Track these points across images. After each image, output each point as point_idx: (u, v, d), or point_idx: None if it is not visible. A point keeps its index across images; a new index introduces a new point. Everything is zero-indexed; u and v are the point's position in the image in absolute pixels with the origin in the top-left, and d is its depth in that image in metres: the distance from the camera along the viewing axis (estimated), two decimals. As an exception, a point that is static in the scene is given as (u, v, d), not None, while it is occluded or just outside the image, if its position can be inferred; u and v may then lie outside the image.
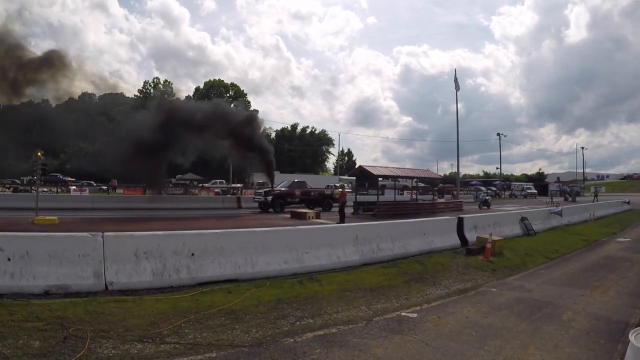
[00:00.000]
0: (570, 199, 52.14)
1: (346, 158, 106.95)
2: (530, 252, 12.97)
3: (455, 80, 43.21)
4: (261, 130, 38.11)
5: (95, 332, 5.39)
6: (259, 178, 60.82)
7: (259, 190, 30.57)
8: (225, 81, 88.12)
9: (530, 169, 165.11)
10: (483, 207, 34.41)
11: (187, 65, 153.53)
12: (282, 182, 31.75)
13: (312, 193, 29.91)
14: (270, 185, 34.26)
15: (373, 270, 9.92)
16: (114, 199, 34.04)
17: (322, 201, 29.77)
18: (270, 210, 27.22)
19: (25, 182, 47.41)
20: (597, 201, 37.39)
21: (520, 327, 6.30)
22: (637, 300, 8.15)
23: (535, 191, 71.71)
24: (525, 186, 76.77)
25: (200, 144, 30.79)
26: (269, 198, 27.44)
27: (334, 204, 28.70)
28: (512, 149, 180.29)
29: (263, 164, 33.83)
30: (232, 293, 7.46)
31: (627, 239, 17.37)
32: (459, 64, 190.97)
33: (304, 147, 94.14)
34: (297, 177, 40.29)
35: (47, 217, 17.40)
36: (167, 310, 6.40)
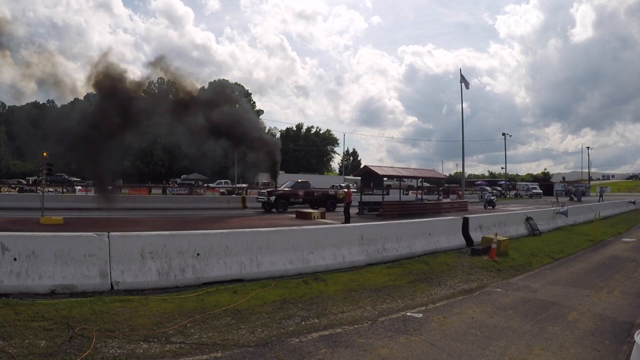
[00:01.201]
0: (575, 198, 51.96)
1: (351, 158, 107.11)
2: (536, 252, 12.93)
3: (462, 78, 43.05)
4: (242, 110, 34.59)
5: (101, 331, 5.42)
6: (264, 178, 61.11)
7: (262, 190, 30.55)
8: (230, 81, 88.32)
9: (536, 168, 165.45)
10: (488, 207, 34.32)
11: (191, 65, 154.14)
12: (286, 182, 31.71)
13: (315, 193, 29.89)
14: (273, 179, 33.85)
15: (378, 270, 9.92)
16: (119, 199, 34.06)
17: (326, 201, 29.76)
18: (274, 210, 27.21)
19: (30, 182, 47.65)
20: (603, 201, 37.24)
21: (525, 328, 6.28)
22: (643, 300, 8.11)
23: (541, 191, 71.65)
24: (531, 186, 76.55)
25: (143, 133, 27.60)
26: (272, 198, 27.44)
27: (338, 204, 28.74)
28: (517, 149, 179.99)
29: (259, 156, 32.54)
30: (238, 293, 7.47)
31: (633, 239, 17.28)
32: (463, 63, 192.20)
33: (309, 147, 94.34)
34: (301, 177, 40.24)
35: (53, 217, 17.47)
36: (173, 310, 6.42)
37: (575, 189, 60.58)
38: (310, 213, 22.74)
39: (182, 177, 65.81)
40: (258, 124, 37.21)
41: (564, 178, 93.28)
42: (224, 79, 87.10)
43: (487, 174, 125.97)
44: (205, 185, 55.66)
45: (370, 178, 29.98)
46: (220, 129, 29.27)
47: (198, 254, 8.18)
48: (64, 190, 40.75)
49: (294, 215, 23.75)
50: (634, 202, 36.43)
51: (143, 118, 25.63)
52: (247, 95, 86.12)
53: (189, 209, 28.59)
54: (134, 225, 16.24)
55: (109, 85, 24.35)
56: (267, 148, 32.57)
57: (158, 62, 28.87)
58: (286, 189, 29.22)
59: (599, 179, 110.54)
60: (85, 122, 23.58)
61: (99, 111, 23.89)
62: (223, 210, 28.92)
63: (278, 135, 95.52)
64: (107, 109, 23.67)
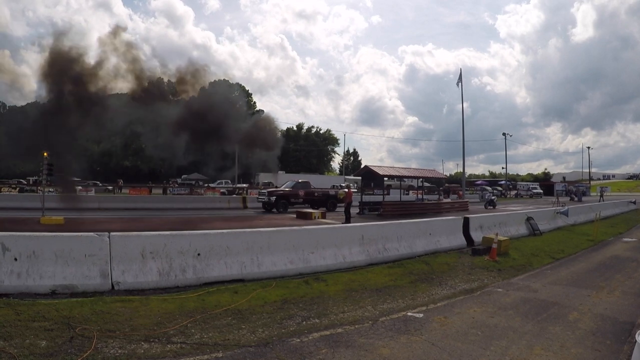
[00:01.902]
0: (576, 198, 51.96)
1: (352, 158, 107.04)
2: (536, 252, 12.92)
3: (460, 78, 42.97)
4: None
5: (102, 331, 5.42)
6: (264, 178, 61.02)
7: (263, 191, 30.51)
8: (230, 81, 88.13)
9: (536, 168, 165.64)
10: (489, 207, 34.30)
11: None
12: (286, 182, 31.66)
13: (315, 193, 29.86)
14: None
15: (379, 270, 9.92)
16: (120, 198, 34.16)
17: (326, 201, 29.70)
18: (274, 210, 27.17)
19: (31, 182, 47.63)
20: (603, 201, 37.27)
21: (526, 328, 6.28)
22: (644, 300, 8.10)
23: (541, 191, 71.68)
24: (531, 186, 76.55)
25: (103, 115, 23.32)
26: (273, 198, 27.41)
27: (339, 204, 28.73)
28: (518, 149, 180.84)
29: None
30: (239, 293, 7.47)
31: (634, 239, 17.27)
32: (464, 63, 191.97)
33: (309, 147, 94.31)
34: (301, 177, 40.19)
35: (54, 217, 17.46)
36: (174, 310, 6.42)
37: (576, 189, 60.61)
38: (311, 213, 22.71)
39: (182, 177, 65.84)
40: (237, 112, 33.14)
41: (564, 178, 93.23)
42: (224, 79, 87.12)
43: (487, 174, 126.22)
44: (206, 185, 55.65)
45: (370, 178, 29.98)
46: (188, 122, 25.53)
47: (199, 254, 8.18)
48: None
49: (295, 215, 23.72)
50: (634, 202, 36.43)
51: (98, 108, 22.23)
52: (248, 95, 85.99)
53: (189, 209, 28.58)
54: (134, 225, 16.22)
55: (60, 68, 20.85)
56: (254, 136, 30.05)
57: (115, 32, 24.09)
58: (286, 189, 29.18)
59: (599, 179, 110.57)
60: (40, 117, 21.28)
61: (53, 101, 21.07)
62: (224, 210, 28.92)
63: (279, 135, 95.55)
64: (59, 96, 20.95)
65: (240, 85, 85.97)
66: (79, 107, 21.19)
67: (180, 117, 25.58)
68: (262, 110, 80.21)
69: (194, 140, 28.60)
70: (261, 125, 31.92)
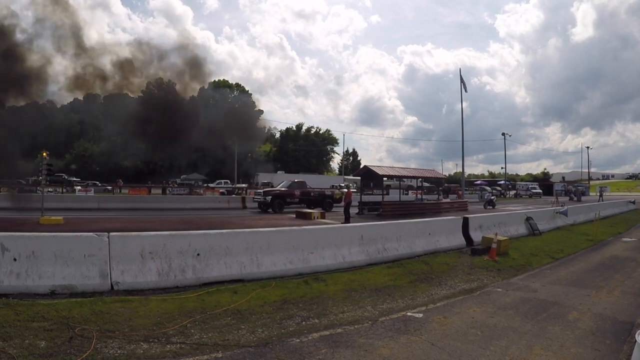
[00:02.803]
0: (575, 198, 52.00)
1: (351, 158, 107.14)
2: (536, 252, 12.92)
3: (462, 81, 43.02)
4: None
5: (101, 332, 5.41)
6: (264, 178, 61.01)
7: (259, 190, 30.47)
8: (229, 81, 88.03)
9: (536, 168, 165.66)
10: (488, 207, 34.32)
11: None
12: (282, 182, 31.62)
13: (312, 193, 29.79)
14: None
15: (378, 270, 9.91)
16: (119, 199, 34.12)
17: (323, 201, 29.57)
18: (270, 210, 27.06)
19: (30, 183, 47.59)
20: (603, 201, 37.29)
21: (525, 327, 6.28)
22: (643, 300, 8.10)
23: (540, 191, 71.78)
24: (530, 186, 76.61)
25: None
26: (268, 198, 27.33)
27: (336, 205, 28.74)
28: (517, 149, 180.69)
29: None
30: (238, 293, 7.46)
31: (633, 239, 17.27)
32: (463, 63, 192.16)
33: (308, 147, 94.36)
34: (300, 177, 40.15)
35: (53, 217, 17.46)
36: (173, 310, 6.41)
37: (575, 188, 60.70)
38: (311, 213, 22.70)
39: (182, 177, 65.81)
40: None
41: (563, 178, 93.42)
42: (224, 79, 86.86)
43: (486, 173, 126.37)
44: (205, 185, 55.64)
45: (370, 178, 29.99)
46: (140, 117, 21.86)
47: (198, 254, 8.17)
48: (64, 190, 40.74)
49: (294, 215, 23.72)
50: (633, 202, 36.44)
51: (34, 89, 19.61)
52: (248, 95, 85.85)
53: (188, 209, 28.55)
54: (134, 225, 16.19)
55: None
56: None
57: None
58: (282, 189, 29.18)
59: (598, 179, 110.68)
60: None
61: None
62: (223, 210, 28.89)
63: (278, 135, 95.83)
64: None
65: (239, 85, 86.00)
66: (14, 90, 18.86)
67: (133, 112, 22.68)
68: (262, 110, 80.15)
69: (149, 140, 25.26)
70: (236, 112, 30.25)
